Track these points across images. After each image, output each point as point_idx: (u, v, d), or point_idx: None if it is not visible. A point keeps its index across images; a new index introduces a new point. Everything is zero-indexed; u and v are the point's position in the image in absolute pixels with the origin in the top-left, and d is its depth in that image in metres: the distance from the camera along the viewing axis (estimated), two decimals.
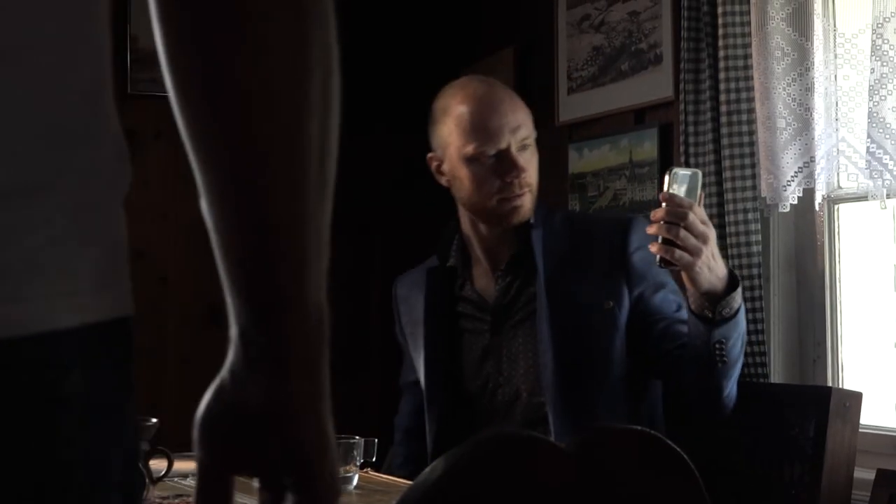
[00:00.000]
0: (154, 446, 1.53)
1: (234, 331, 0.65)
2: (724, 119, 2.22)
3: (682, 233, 1.63)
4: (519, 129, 1.88)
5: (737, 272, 2.16)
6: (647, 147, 2.58)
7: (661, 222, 1.64)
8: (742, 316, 1.74)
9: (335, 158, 0.64)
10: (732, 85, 2.20)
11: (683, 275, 1.68)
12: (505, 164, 1.86)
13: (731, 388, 1.80)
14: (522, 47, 3.09)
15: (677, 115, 2.39)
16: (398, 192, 3.39)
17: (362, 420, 2.26)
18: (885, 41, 1.96)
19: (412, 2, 3.44)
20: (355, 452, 1.67)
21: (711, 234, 1.66)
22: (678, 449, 0.91)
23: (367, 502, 1.68)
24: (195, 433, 0.68)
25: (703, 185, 1.78)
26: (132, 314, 0.60)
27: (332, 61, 0.62)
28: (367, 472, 1.87)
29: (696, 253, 1.63)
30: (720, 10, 2.23)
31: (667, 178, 1.68)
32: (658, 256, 1.66)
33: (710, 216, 2.23)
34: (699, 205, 1.68)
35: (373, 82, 3.39)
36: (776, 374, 2.26)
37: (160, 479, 1.56)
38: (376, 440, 1.86)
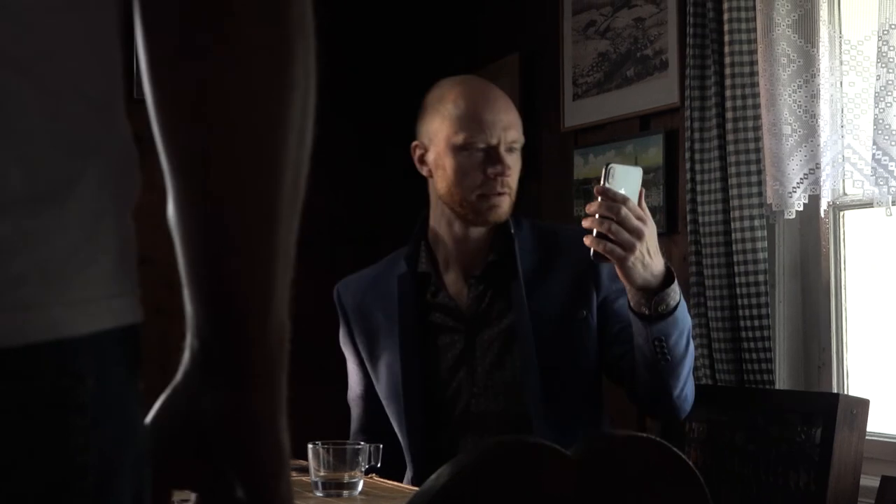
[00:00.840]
0: None
1: (191, 337, 0.64)
2: (729, 125, 2.22)
3: (615, 227, 1.65)
4: (510, 130, 1.90)
5: (742, 279, 2.17)
6: (653, 153, 2.58)
7: (595, 216, 1.66)
8: (682, 313, 1.73)
9: (307, 175, 0.64)
10: (738, 91, 2.20)
11: (617, 269, 1.69)
12: (491, 160, 1.88)
13: (681, 388, 1.80)
14: (528, 53, 3.09)
15: (683, 122, 2.39)
16: (400, 200, 3.39)
17: None
18: (891, 48, 1.96)
19: (417, 8, 3.44)
20: (360, 458, 1.67)
21: (648, 230, 1.67)
22: (683, 456, 0.91)
23: None
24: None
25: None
26: (142, 321, 0.61)
27: (312, 80, 0.64)
28: (371, 478, 1.87)
29: (628, 248, 1.65)
30: (726, 16, 2.23)
31: (603, 172, 1.70)
32: (591, 250, 1.67)
33: (716, 222, 2.24)
34: (640, 202, 1.69)
35: (377, 89, 3.39)
36: (781, 381, 2.26)
37: None
38: (381, 446, 1.86)
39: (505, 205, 1.90)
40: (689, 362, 1.78)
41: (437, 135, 1.94)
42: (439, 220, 1.99)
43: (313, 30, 0.63)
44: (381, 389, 2.02)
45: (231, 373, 0.64)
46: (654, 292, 1.70)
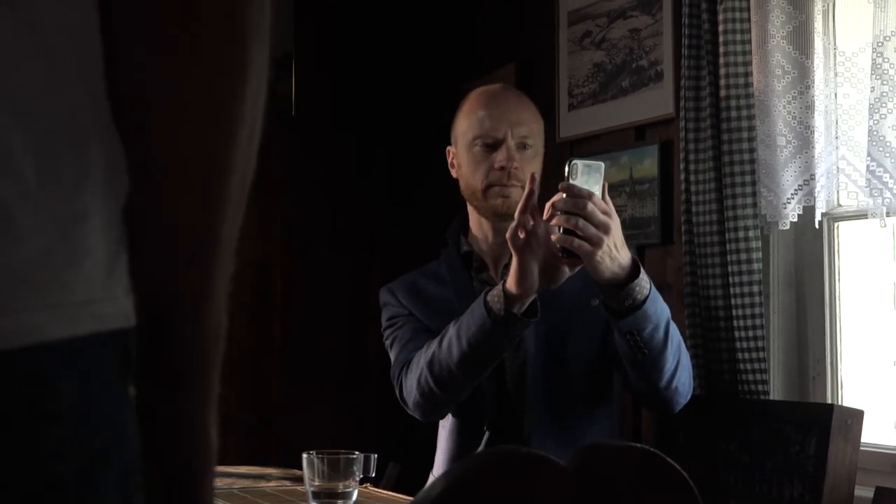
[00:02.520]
0: None
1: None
2: (724, 136, 2.22)
3: (581, 223, 1.67)
4: (519, 126, 1.98)
5: (737, 289, 2.17)
6: (648, 164, 2.59)
7: (560, 213, 1.68)
8: (654, 306, 1.74)
9: (252, 174, 0.64)
10: (733, 102, 2.21)
11: (586, 265, 1.70)
12: (498, 152, 1.96)
13: (667, 380, 1.80)
14: (524, 63, 3.10)
15: (678, 132, 2.40)
16: (399, 208, 3.40)
17: (361, 435, 2.26)
18: (886, 60, 1.96)
19: (414, 18, 3.45)
20: (354, 468, 1.67)
21: (613, 224, 1.69)
22: (677, 466, 0.91)
23: None
24: None
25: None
26: (133, 326, 0.60)
27: (265, 74, 0.62)
28: (366, 488, 1.87)
29: (595, 243, 1.67)
30: (721, 27, 2.23)
31: (567, 168, 1.71)
32: (559, 246, 1.69)
33: (711, 233, 2.24)
34: (604, 196, 1.71)
35: (375, 98, 3.40)
36: (776, 392, 2.26)
37: None
38: (375, 455, 1.86)
39: (516, 196, 1.94)
40: (671, 354, 1.78)
41: (457, 136, 2.05)
42: (472, 220, 2.08)
43: (268, 26, 0.62)
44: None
45: (161, 368, 0.63)
46: (621, 286, 1.71)
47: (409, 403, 1.95)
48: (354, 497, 1.68)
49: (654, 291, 1.76)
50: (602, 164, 1.75)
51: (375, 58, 3.41)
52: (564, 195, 1.69)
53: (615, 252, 1.69)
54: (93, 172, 0.56)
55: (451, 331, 1.84)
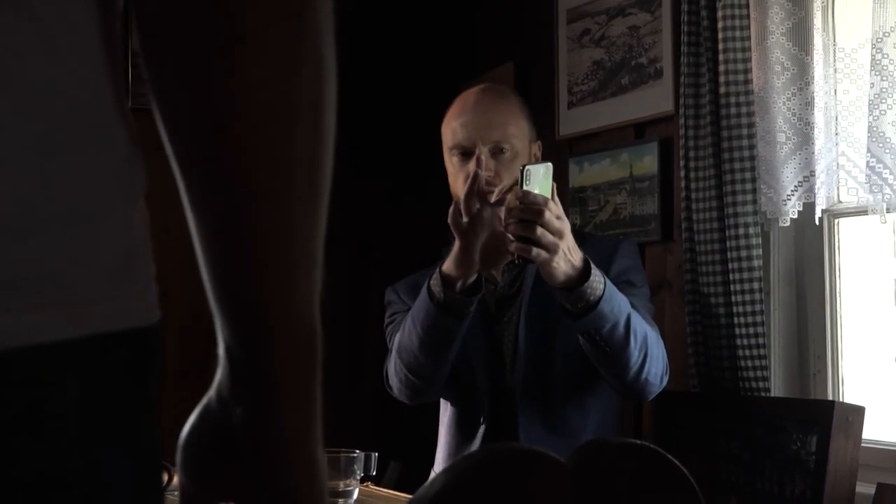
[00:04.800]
0: None
1: (220, 348, 0.61)
2: (724, 133, 2.22)
3: (539, 230, 1.68)
4: (491, 131, 1.94)
5: (737, 286, 2.17)
6: (648, 161, 2.59)
7: (517, 221, 1.69)
8: (609, 305, 1.75)
9: (329, 168, 0.60)
10: (732, 99, 2.21)
11: (541, 270, 1.72)
12: (471, 161, 1.93)
13: (633, 372, 1.82)
14: (523, 62, 3.10)
15: (677, 130, 2.40)
16: (395, 208, 3.39)
17: (361, 433, 2.26)
18: (885, 56, 1.96)
19: (412, 16, 3.45)
20: (355, 466, 1.67)
21: (566, 228, 1.70)
22: (678, 463, 0.91)
23: None
24: (178, 456, 0.65)
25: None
26: (153, 324, 0.57)
27: (325, 63, 0.58)
28: (367, 486, 1.87)
29: (552, 249, 1.68)
30: (720, 24, 2.23)
31: (520, 175, 1.71)
32: (516, 254, 1.69)
33: (711, 230, 2.24)
34: (553, 197, 1.72)
35: (373, 97, 3.40)
36: (777, 389, 2.26)
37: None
38: (376, 454, 1.86)
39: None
40: (635, 349, 1.80)
41: (442, 142, 2.04)
42: None
43: (328, 12, 0.58)
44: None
45: (258, 385, 0.60)
46: (573, 288, 1.73)
47: (394, 389, 2.01)
48: (355, 496, 1.68)
49: (610, 289, 1.77)
50: (550, 165, 1.75)
51: (374, 57, 3.40)
52: (519, 203, 1.69)
53: (570, 255, 1.72)
54: (100, 170, 0.55)
55: (408, 318, 1.89)
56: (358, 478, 1.70)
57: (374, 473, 1.87)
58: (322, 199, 0.60)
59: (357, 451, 1.69)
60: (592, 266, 1.75)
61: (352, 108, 3.51)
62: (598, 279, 1.75)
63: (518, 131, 1.98)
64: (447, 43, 3.42)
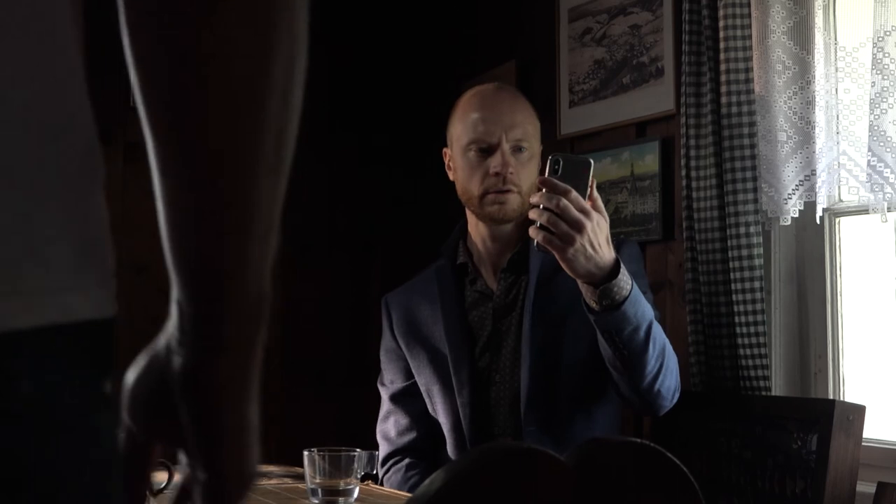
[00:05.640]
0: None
1: (172, 301, 0.63)
2: (725, 132, 2.22)
3: (553, 218, 1.67)
4: (514, 129, 1.96)
5: (738, 285, 2.17)
6: (649, 160, 2.59)
7: (540, 206, 1.68)
8: (633, 308, 1.74)
9: (293, 141, 0.61)
10: (734, 98, 2.21)
11: (559, 259, 1.71)
12: (493, 158, 1.94)
13: (649, 382, 1.81)
14: (524, 61, 3.10)
15: (679, 129, 2.40)
16: (398, 207, 3.39)
17: (363, 432, 2.26)
18: (886, 55, 1.96)
19: (413, 15, 3.44)
20: (356, 465, 1.67)
21: (591, 222, 1.68)
22: (679, 462, 0.91)
23: None
24: (123, 398, 0.67)
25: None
26: (110, 318, 0.57)
27: (300, 45, 0.60)
28: (367, 485, 1.87)
29: (567, 240, 1.67)
30: (721, 23, 2.23)
31: (548, 163, 1.72)
32: (535, 241, 1.69)
33: (712, 229, 2.24)
34: (591, 194, 1.70)
35: (375, 98, 3.40)
36: (777, 388, 2.26)
37: (160, 490, 1.55)
38: (377, 452, 1.86)
39: (511, 202, 1.95)
40: (653, 357, 1.78)
41: (452, 139, 2.03)
42: (470, 221, 2.08)
43: (305, 8, 0.60)
44: (423, 379, 2.06)
45: (202, 336, 0.62)
46: (597, 286, 1.71)
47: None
48: (356, 494, 1.68)
49: (636, 293, 1.75)
50: (589, 161, 1.73)
51: (376, 55, 3.40)
52: (543, 189, 1.69)
53: (591, 251, 1.68)
54: (57, 160, 0.54)
55: None
56: (358, 476, 1.71)
57: (375, 472, 1.87)
58: (284, 171, 0.62)
59: (357, 449, 1.69)
60: (622, 267, 1.73)
61: (354, 106, 3.51)
62: (625, 280, 1.73)
63: (534, 132, 2.01)
64: (449, 42, 3.42)
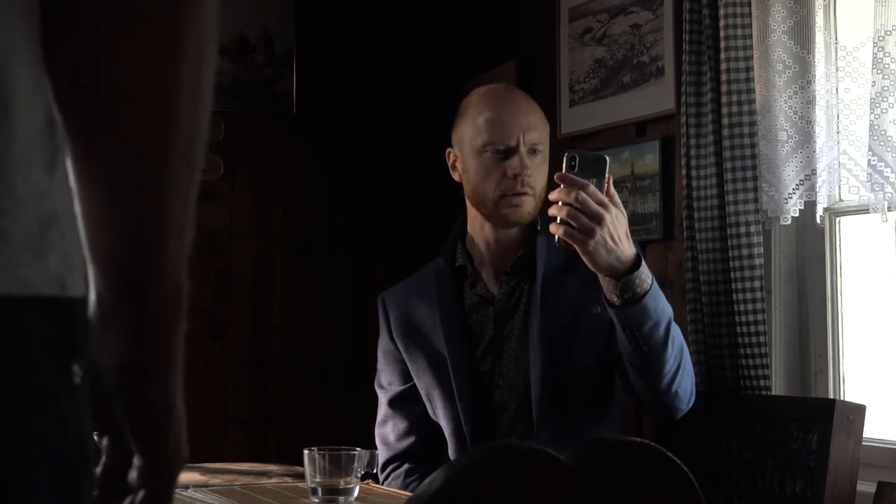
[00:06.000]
0: None
1: (91, 293, 0.65)
2: (725, 132, 2.22)
3: (573, 212, 1.68)
4: (530, 132, 1.95)
5: (739, 284, 2.17)
6: (649, 160, 2.59)
7: (559, 202, 1.69)
8: (654, 303, 1.74)
9: (203, 140, 0.63)
10: (734, 97, 2.21)
11: (581, 254, 1.71)
12: (510, 160, 1.93)
13: (666, 382, 1.80)
14: (524, 60, 3.10)
15: (679, 128, 2.39)
16: (399, 206, 3.39)
17: (363, 432, 2.26)
18: (887, 54, 1.96)
19: (414, 15, 3.44)
20: (356, 464, 1.67)
21: (610, 215, 1.69)
22: (679, 462, 0.91)
23: None
24: None
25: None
26: (75, 297, 0.58)
27: (208, 46, 0.61)
28: (367, 484, 1.87)
29: (587, 232, 1.68)
30: (722, 22, 2.23)
31: (564, 160, 1.72)
32: (556, 236, 1.70)
33: (712, 228, 2.23)
34: (608, 189, 1.72)
35: (374, 96, 3.39)
36: (778, 387, 2.26)
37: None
38: (377, 452, 1.86)
39: (527, 205, 1.95)
40: (671, 356, 1.78)
41: (463, 140, 2.00)
42: (473, 223, 2.05)
43: (215, 16, 0.61)
44: (423, 383, 2.05)
45: (123, 327, 0.64)
46: (619, 279, 1.72)
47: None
48: (356, 493, 1.68)
49: (656, 289, 1.76)
50: (605, 157, 1.75)
51: (376, 55, 3.40)
52: (561, 185, 1.70)
53: (611, 243, 1.69)
54: (15, 136, 0.54)
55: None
56: (359, 475, 1.70)
57: (375, 471, 1.87)
58: (196, 161, 0.63)
59: (358, 448, 1.69)
60: (643, 261, 1.74)
61: (355, 106, 3.51)
62: (646, 273, 1.74)
63: (547, 134, 2.01)
64: (449, 41, 3.42)
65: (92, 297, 0.65)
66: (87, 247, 0.63)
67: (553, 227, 1.70)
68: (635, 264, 1.72)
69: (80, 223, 0.62)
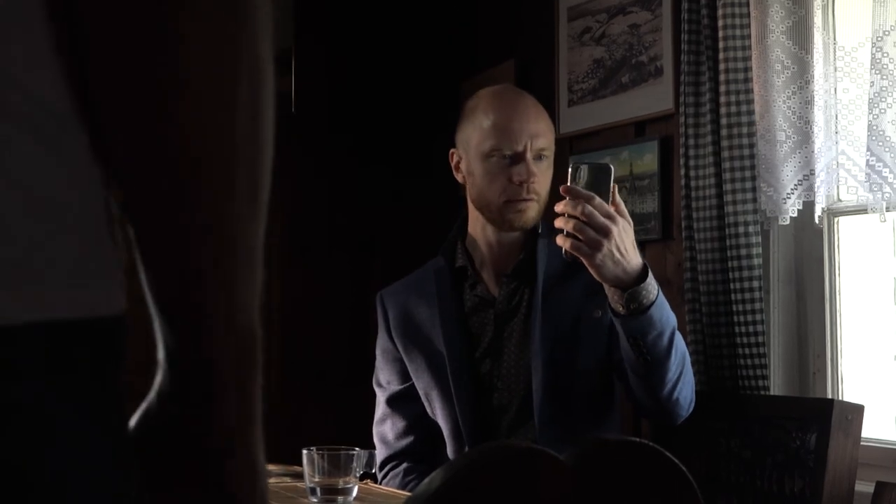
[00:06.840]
0: None
1: (160, 351, 0.60)
2: (724, 132, 2.22)
3: (579, 225, 1.68)
4: (538, 138, 1.94)
5: (737, 285, 2.17)
6: (648, 159, 2.59)
7: (565, 215, 1.69)
8: (660, 313, 1.74)
9: (269, 170, 0.60)
10: (732, 98, 2.21)
11: (587, 265, 1.71)
12: (517, 166, 1.92)
13: (668, 390, 1.81)
14: (523, 60, 3.10)
15: (677, 128, 2.40)
16: (399, 206, 3.39)
17: (362, 432, 2.26)
18: (885, 54, 1.96)
19: (413, 15, 3.44)
20: (355, 463, 1.67)
21: (617, 227, 1.69)
22: (678, 462, 0.91)
23: None
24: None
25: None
26: (117, 314, 0.56)
27: (263, 70, 0.59)
28: (366, 484, 1.87)
29: (594, 245, 1.68)
30: (720, 22, 2.23)
31: (570, 171, 1.72)
32: (563, 249, 1.70)
33: (711, 228, 2.24)
34: (613, 200, 1.72)
35: (374, 96, 3.39)
36: (776, 387, 2.26)
37: None
38: (376, 452, 1.86)
39: (532, 211, 1.95)
40: (674, 364, 1.79)
41: (469, 143, 1.99)
42: (474, 224, 2.04)
43: (267, 17, 0.59)
44: (422, 383, 2.04)
45: (195, 384, 0.59)
46: (625, 289, 1.72)
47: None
48: (354, 493, 1.68)
49: (662, 299, 1.76)
50: (610, 167, 1.75)
51: (375, 55, 3.40)
52: (567, 197, 1.70)
53: (618, 255, 1.69)
54: (64, 159, 0.53)
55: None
56: (357, 475, 1.71)
57: (374, 471, 1.87)
58: (262, 203, 0.60)
59: (356, 448, 1.69)
60: (649, 272, 1.74)
61: (354, 105, 3.50)
62: (653, 284, 1.74)
63: (553, 139, 2.00)
64: (448, 41, 3.42)
65: (160, 353, 0.60)
66: (150, 298, 0.59)
67: (560, 240, 1.70)
68: (642, 275, 1.72)
69: (141, 274, 0.58)
